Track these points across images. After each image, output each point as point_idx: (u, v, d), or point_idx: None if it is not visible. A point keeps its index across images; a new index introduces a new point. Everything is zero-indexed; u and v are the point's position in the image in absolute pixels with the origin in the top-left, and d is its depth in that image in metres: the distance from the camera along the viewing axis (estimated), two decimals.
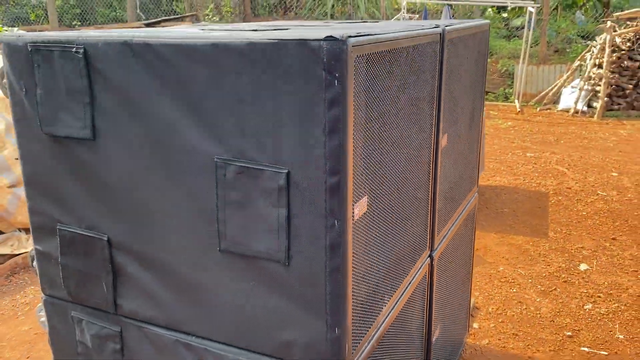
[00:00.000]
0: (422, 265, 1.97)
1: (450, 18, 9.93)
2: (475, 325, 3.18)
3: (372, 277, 1.50)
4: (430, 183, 1.96)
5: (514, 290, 3.57)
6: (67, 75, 1.49)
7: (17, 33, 1.57)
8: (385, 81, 1.42)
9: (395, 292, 1.70)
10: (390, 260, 1.63)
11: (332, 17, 13.04)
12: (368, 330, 1.50)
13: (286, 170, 1.28)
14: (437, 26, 1.83)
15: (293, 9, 14.35)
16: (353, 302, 1.37)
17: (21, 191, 4.15)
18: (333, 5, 13.23)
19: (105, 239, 1.59)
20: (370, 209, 1.43)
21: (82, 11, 14.93)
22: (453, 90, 2.10)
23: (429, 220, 1.99)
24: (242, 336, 1.49)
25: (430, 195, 1.97)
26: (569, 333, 3.07)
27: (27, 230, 4.23)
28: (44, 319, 1.89)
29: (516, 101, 9.89)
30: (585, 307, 3.35)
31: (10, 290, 3.72)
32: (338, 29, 1.42)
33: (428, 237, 2.01)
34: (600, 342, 2.99)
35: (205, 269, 1.47)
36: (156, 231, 1.51)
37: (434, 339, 2.24)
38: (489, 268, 3.89)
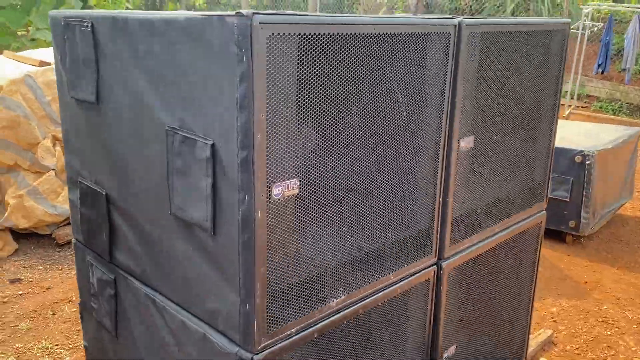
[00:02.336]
0: (419, 273, 1.85)
1: (639, 28, 8.79)
2: None
3: (308, 264, 1.48)
4: (439, 186, 1.83)
5: (609, 332, 3.11)
6: (83, 46, 1.71)
7: (60, 10, 1.84)
8: (333, 66, 1.39)
9: (360, 288, 1.64)
10: (342, 254, 1.58)
11: None
12: (300, 318, 1.48)
13: (211, 142, 1.33)
14: (451, 18, 1.71)
15: (472, 14, 13.92)
16: (271, 282, 1.37)
17: None
18: (513, 12, 12.54)
19: (104, 193, 1.80)
20: (306, 192, 1.41)
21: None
22: (485, 91, 1.93)
23: (435, 226, 1.87)
24: (187, 298, 1.57)
25: (437, 199, 1.84)
26: None
27: None
28: None
29: None
30: None
31: None
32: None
33: (434, 243, 1.89)
34: None
35: (163, 230, 1.59)
36: (134, 190, 1.67)
37: (444, 356, 2.09)
38: (590, 304, 3.43)
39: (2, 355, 2.87)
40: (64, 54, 1.82)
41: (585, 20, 9.19)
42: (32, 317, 3.22)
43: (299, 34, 1.28)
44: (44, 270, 3.80)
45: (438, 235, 1.90)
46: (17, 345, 2.95)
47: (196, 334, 1.54)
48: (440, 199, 1.86)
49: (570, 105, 9.56)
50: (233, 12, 1.20)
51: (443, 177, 1.84)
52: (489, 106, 1.98)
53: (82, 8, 10.12)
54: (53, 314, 3.25)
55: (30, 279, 3.68)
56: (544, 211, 2.48)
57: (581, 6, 10.11)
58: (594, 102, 10.51)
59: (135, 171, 1.64)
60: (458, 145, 1.86)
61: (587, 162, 4.05)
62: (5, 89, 4.19)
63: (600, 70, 9.25)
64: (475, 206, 2.06)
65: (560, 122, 5.51)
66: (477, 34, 1.80)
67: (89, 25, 1.65)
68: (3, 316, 3.23)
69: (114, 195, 1.77)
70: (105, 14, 1.60)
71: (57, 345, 2.95)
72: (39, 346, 2.93)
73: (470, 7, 13.56)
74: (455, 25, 1.71)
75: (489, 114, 1.99)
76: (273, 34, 1.22)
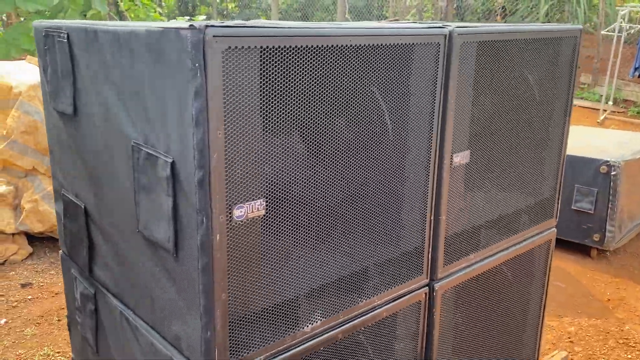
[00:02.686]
0: (408, 294, 1.75)
1: None
2: None
3: (278, 289, 1.40)
4: (430, 203, 1.73)
5: (629, 356, 2.93)
6: (60, 57, 1.68)
7: (43, 20, 1.82)
8: (305, 79, 1.31)
9: (339, 312, 1.55)
10: (319, 277, 1.49)
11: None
12: (269, 345, 1.40)
13: (171, 160, 1.27)
14: (441, 27, 1.61)
15: (505, 15, 13.59)
16: (234, 308, 1.30)
17: None
18: (547, 13, 12.18)
19: (83, 207, 1.76)
20: (275, 213, 1.34)
21: (303, 15, 16.18)
22: (484, 103, 1.82)
23: (426, 245, 1.77)
24: (155, 320, 1.51)
25: (429, 217, 1.74)
26: None
27: None
28: None
29: None
30: None
31: None
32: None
33: (426, 263, 1.78)
34: None
35: (132, 248, 1.54)
36: (107, 205, 1.62)
37: None
38: (612, 324, 3.25)
39: None
40: (46, 65, 1.79)
41: (622, 22, 8.85)
42: (38, 323, 3.23)
43: (262, 47, 1.20)
44: (55, 275, 3.82)
45: (430, 255, 1.79)
46: (20, 351, 2.96)
47: (164, 357, 1.48)
48: (432, 217, 1.76)
49: (605, 110, 9.22)
50: (187, 25, 1.14)
51: (435, 194, 1.74)
52: (489, 119, 1.87)
53: (115, 13, 10.27)
54: (58, 320, 3.25)
55: (41, 284, 3.70)
56: (554, 228, 2.34)
57: (618, 7, 9.75)
58: (630, 106, 10.12)
59: (108, 186, 1.60)
60: (451, 161, 1.75)
61: (613, 173, 3.85)
62: (24, 94, 4.25)
63: (637, 73, 8.90)
64: (474, 224, 1.95)
65: (592, 129, 5.29)
66: (472, 43, 1.69)
67: (65, 36, 1.61)
68: (11, 321, 3.25)
69: (91, 209, 1.73)
70: (79, 24, 1.56)
71: (58, 352, 2.94)
72: (41, 353, 2.93)
73: (504, 7, 13.26)
74: (445, 35, 1.60)
75: (489, 127, 1.87)
76: (230, 47, 1.15)
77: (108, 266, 1.70)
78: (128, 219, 1.52)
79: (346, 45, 1.37)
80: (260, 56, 1.21)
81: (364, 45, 1.41)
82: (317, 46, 1.31)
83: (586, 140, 4.39)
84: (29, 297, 3.53)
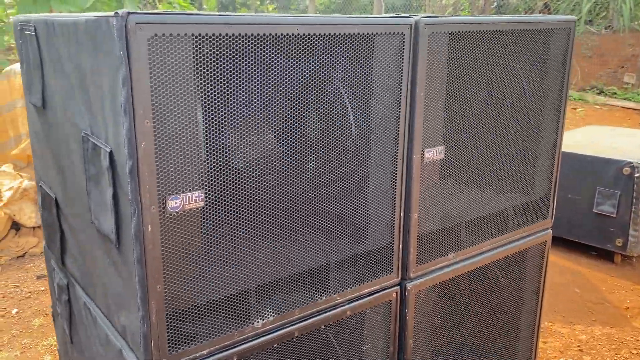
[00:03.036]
0: (376, 293, 1.70)
1: None
2: None
3: (223, 282, 1.37)
4: (399, 200, 1.67)
5: None
6: (31, 51, 1.70)
7: (19, 15, 1.85)
8: (251, 67, 1.28)
9: (295, 309, 1.52)
10: (270, 272, 1.45)
11: (586, 23, 11.61)
12: (214, 339, 1.38)
13: (109, 149, 1.27)
14: (407, 17, 1.55)
15: (549, 13, 13.20)
16: (172, 300, 1.28)
17: None
18: (590, 11, 11.74)
19: (54, 198, 1.78)
20: (217, 205, 1.31)
21: None
22: (462, 97, 1.75)
23: (396, 243, 1.71)
24: (108, 311, 1.52)
25: (398, 214, 1.68)
26: None
27: None
28: None
29: None
30: None
31: None
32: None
33: (396, 262, 1.73)
34: None
35: (89, 239, 1.54)
36: (70, 196, 1.64)
37: None
38: (627, 333, 3.08)
39: (10, 349, 2.96)
40: (22, 59, 1.82)
41: None
42: (46, 314, 3.31)
43: (195, 35, 1.18)
44: None
45: (400, 254, 1.73)
46: (25, 340, 3.04)
47: (115, 348, 1.47)
48: (402, 214, 1.70)
49: None
50: (113, 12, 1.13)
51: (404, 191, 1.68)
52: (471, 114, 1.79)
53: None
54: None
55: None
56: (549, 230, 2.23)
57: None
58: None
59: (70, 178, 1.61)
60: (422, 157, 1.69)
61: (637, 175, 3.66)
62: None
63: None
64: (454, 222, 1.87)
65: (617, 129, 5.05)
66: (443, 34, 1.63)
67: (33, 29, 1.64)
68: (21, 311, 3.35)
69: (60, 201, 1.75)
70: (43, 17, 1.58)
71: None
72: (45, 343, 3.00)
73: (546, 4, 12.88)
74: (411, 25, 1.55)
75: (470, 122, 1.80)
76: (156, 34, 1.13)
77: (74, 257, 1.72)
78: (85, 210, 1.53)
79: (294, 35, 1.33)
80: (195, 44, 1.19)
81: (316, 34, 1.37)
82: (259, 34, 1.27)
83: (610, 140, 4.19)
84: (42, 288, 3.63)
